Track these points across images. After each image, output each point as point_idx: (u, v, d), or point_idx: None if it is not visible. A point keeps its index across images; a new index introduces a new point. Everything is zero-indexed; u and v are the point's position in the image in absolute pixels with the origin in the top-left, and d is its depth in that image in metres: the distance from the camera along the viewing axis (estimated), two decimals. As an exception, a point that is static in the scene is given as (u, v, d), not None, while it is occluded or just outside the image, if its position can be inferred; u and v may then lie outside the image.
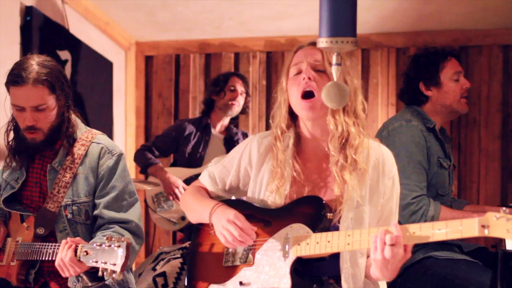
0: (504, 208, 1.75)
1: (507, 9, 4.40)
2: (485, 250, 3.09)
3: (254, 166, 2.22)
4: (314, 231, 2.00)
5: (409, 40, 4.97)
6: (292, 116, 2.19)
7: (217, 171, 2.32)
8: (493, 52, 4.91)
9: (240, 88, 4.30)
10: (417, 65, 3.18)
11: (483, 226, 1.73)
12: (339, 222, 2.05)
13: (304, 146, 2.19)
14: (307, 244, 1.99)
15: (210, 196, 2.33)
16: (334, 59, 1.75)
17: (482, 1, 4.30)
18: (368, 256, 2.09)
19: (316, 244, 1.97)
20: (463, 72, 3.18)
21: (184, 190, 4.03)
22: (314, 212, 2.04)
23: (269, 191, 2.14)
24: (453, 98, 3.12)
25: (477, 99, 4.90)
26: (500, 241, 2.90)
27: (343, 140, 2.09)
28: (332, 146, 2.09)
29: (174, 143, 4.32)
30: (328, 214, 2.04)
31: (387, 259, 1.82)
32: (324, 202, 2.05)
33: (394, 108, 4.99)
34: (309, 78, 2.08)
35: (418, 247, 2.96)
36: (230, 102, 4.25)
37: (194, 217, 2.29)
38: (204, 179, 2.36)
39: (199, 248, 2.25)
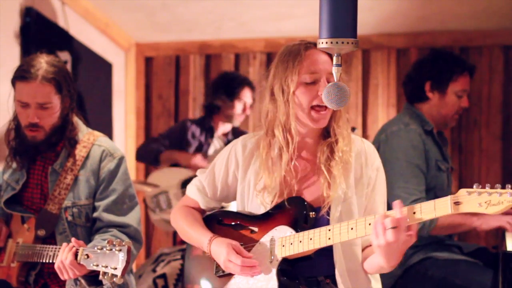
0: (477, 184, 1.74)
1: (508, 10, 4.39)
2: (486, 250, 3.09)
3: (241, 168, 2.21)
4: (297, 231, 2.02)
5: (410, 41, 4.96)
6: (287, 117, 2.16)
7: (206, 180, 2.29)
8: (494, 53, 4.90)
9: (249, 100, 4.26)
10: (433, 63, 3.14)
11: (456, 203, 1.74)
12: (328, 215, 2.06)
13: (291, 145, 2.17)
14: (291, 244, 2.00)
15: (203, 211, 2.32)
16: (334, 60, 1.75)
17: (483, 2, 4.29)
18: (363, 249, 2.09)
19: (299, 243, 1.98)
20: (468, 91, 3.17)
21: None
22: (297, 213, 2.06)
23: (257, 190, 2.14)
24: (449, 111, 3.12)
25: (477, 100, 4.89)
26: (501, 242, 2.89)
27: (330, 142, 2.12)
28: (320, 150, 2.12)
29: (179, 141, 4.29)
30: (311, 213, 2.05)
31: (391, 243, 1.79)
32: (305, 202, 2.07)
33: (395, 109, 4.98)
34: None
35: (418, 248, 2.95)
36: (237, 115, 4.23)
37: (187, 240, 2.28)
38: (193, 193, 2.33)
39: (193, 252, 2.26)
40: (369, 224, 1.86)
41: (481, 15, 4.56)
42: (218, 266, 2.13)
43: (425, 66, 3.17)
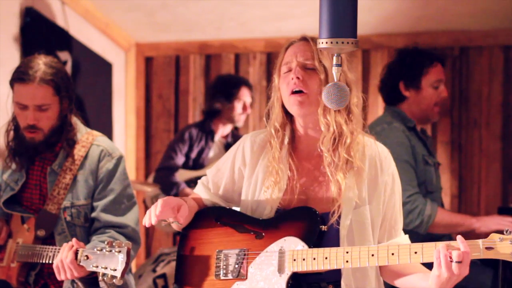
0: (507, 229, 1.76)
1: (508, 9, 4.39)
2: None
3: (248, 165, 2.17)
4: (309, 246, 1.96)
5: (410, 41, 4.94)
6: (287, 114, 2.16)
7: (211, 175, 2.27)
8: (494, 53, 4.90)
9: (249, 99, 4.30)
10: (402, 63, 3.21)
11: (488, 248, 1.76)
12: (338, 224, 2.01)
13: (298, 144, 2.16)
14: (303, 260, 1.94)
15: (204, 204, 2.25)
16: (334, 60, 1.75)
17: (483, 1, 4.29)
18: None
19: (313, 260, 1.93)
20: (444, 80, 3.20)
21: None
22: (308, 225, 1.99)
23: (266, 186, 2.10)
24: (427, 104, 3.16)
25: (477, 100, 4.89)
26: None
27: (335, 140, 2.06)
28: (324, 147, 2.06)
29: (184, 150, 4.28)
30: (322, 227, 1.99)
31: (453, 276, 1.78)
32: (318, 213, 2.00)
33: (395, 109, 4.97)
34: (298, 78, 2.06)
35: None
36: (238, 115, 4.25)
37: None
38: (198, 189, 2.29)
39: (187, 254, 2.15)
40: (415, 252, 1.83)
41: (481, 15, 4.56)
42: (217, 268, 2.05)
43: (395, 67, 3.24)
